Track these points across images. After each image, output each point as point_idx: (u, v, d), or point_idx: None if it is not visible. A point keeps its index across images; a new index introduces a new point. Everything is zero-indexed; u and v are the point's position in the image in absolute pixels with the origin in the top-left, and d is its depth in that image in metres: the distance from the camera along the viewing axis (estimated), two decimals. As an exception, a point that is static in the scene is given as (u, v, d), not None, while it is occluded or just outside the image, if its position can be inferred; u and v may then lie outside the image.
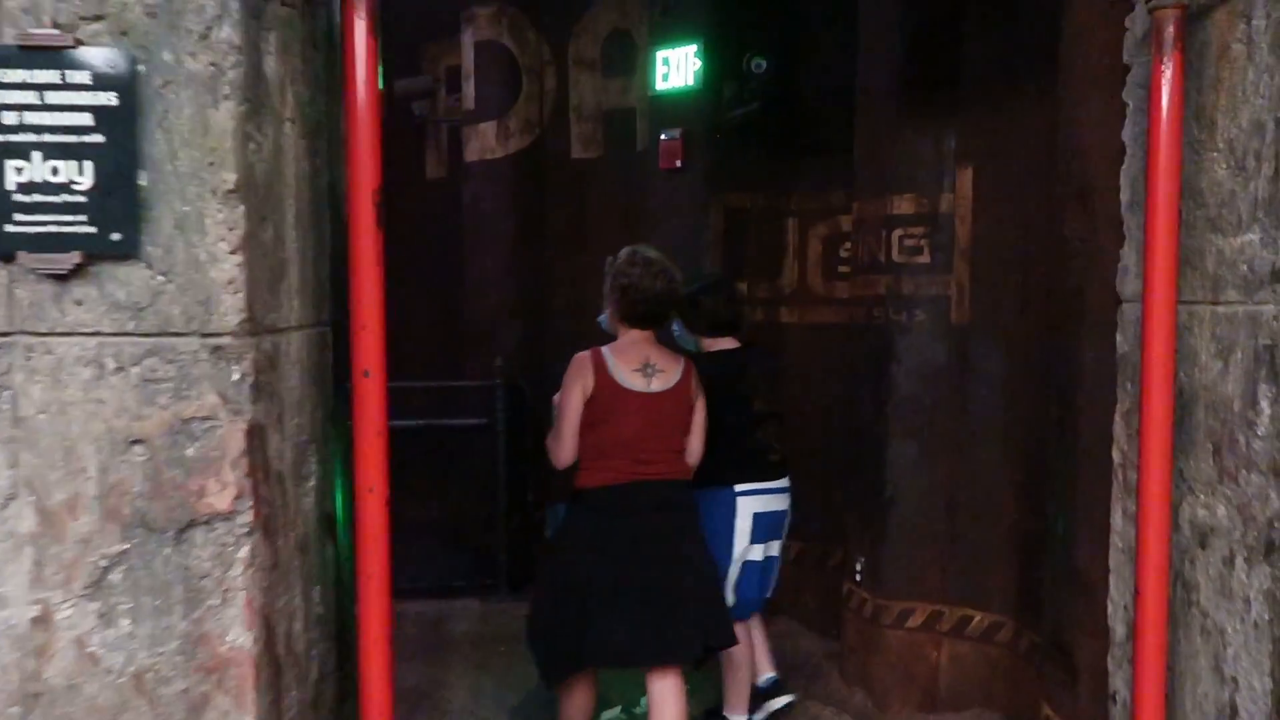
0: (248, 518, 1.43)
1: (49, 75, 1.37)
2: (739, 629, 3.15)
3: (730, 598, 3.24)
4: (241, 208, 1.40)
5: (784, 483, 3.40)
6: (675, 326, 3.38)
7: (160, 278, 1.37)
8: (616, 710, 3.58)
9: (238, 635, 1.42)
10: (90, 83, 1.37)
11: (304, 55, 1.81)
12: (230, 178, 1.38)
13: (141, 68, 1.35)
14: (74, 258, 1.38)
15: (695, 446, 2.99)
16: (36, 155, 1.39)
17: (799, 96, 4.30)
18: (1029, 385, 3.29)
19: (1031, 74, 3.15)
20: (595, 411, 2.79)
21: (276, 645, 1.58)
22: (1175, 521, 2.06)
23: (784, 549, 3.48)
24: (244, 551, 1.43)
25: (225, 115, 1.38)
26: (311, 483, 1.86)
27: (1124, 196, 2.31)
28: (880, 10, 3.64)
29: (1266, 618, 1.82)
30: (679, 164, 4.40)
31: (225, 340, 1.39)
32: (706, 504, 3.17)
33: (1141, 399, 2.01)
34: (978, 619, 3.50)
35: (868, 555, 3.72)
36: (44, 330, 1.38)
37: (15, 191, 1.39)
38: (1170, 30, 1.95)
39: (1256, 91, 1.86)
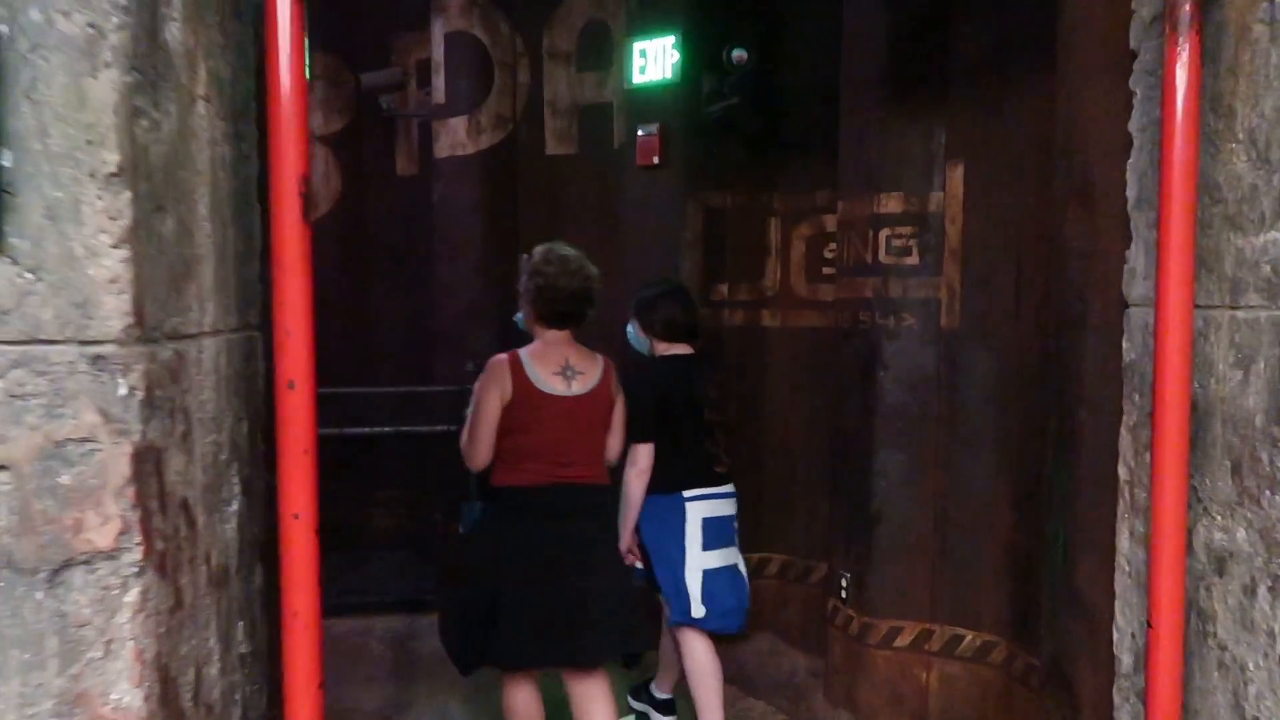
0: (136, 555, 1.22)
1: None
2: (703, 639, 3.27)
3: (700, 610, 3.24)
4: (128, 194, 1.19)
5: (729, 488, 3.41)
6: (630, 328, 3.42)
7: (28, 276, 1.16)
8: None
9: (124, 693, 1.22)
10: (-57, 47, 1.17)
11: (224, 27, 1.61)
12: (112, 159, 1.17)
13: (3, 28, 1.15)
14: (-75, 253, 1.18)
15: (614, 445, 2.98)
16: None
17: (782, 90, 4.15)
18: (1023, 394, 3.13)
19: (1025, 65, 2.99)
20: (514, 418, 2.75)
21: (180, 698, 1.38)
22: (1189, 545, 1.89)
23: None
24: (132, 594, 1.22)
25: (106, 86, 1.17)
26: (234, 506, 1.66)
27: (1130, 192, 2.14)
28: (866, -1, 3.47)
29: (1295, 656, 1.64)
30: (656, 161, 4.22)
31: (108, 349, 1.18)
32: (654, 511, 3.22)
33: (1154, 413, 1.83)
34: (969, 639, 3.34)
35: (853, 571, 3.54)
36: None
37: None
38: (1187, 9, 1.78)
39: (1281, 76, 1.69)
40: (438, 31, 4.93)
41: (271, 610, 1.82)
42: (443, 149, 4.92)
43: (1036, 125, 2.87)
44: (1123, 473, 2.17)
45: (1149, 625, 1.87)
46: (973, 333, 3.31)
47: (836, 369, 3.72)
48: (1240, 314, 1.79)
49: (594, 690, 2.85)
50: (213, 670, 1.53)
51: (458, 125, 4.86)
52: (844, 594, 3.58)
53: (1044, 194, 2.79)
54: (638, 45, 4.25)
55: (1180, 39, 1.79)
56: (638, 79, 4.30)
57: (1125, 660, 2.14)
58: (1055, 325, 2.51)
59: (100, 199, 1.18)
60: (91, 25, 1.17)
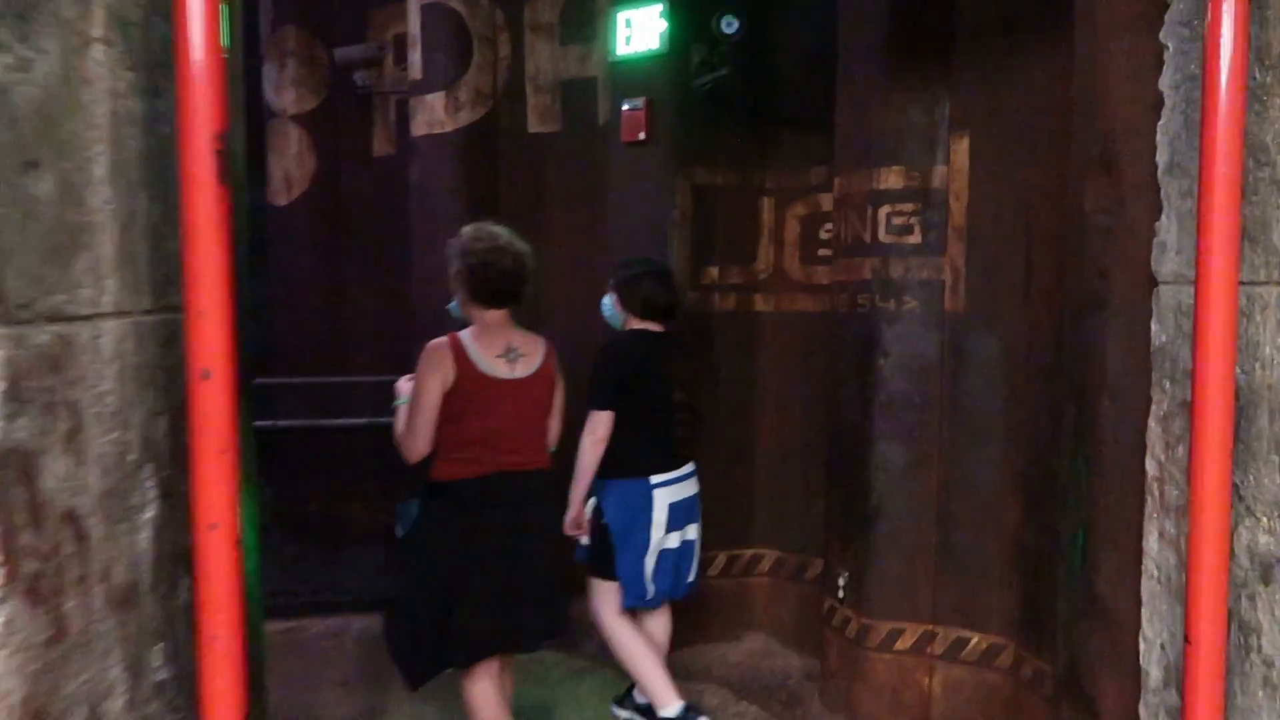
0: (-4, 580, 1.01)
1: None
2: (659, 615, 3.36)
3: (650, 589, 3.23)
4: (-25, 144, 0.98)
5: (690, 468, 3.35)
6: (606, 300, 3.34)
7: None
8: None
9: (-19, 747, 1.01)
10: None
11: (128, -39, 1.38)
12: (-49, 98, 0.96)
13: None
14: None
15: (555, 428, 2.94)
16: None
17: (775, 60, 3.96)
18: (1033, 381, 2.94)
19: (1036, 25, 2.78)
20: (457, 403, 2.67)
21: (67, 744, 1.17)
22: (1230, 549, 1.69)
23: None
24: (-7, 628, 1.02)
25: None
26: (148, 514, 1.45)
27: (1161, 158, 1.94)
28: (864, -40, 3.26)
29: (1358, 678, 1.45)
30: (643, 137, 3.99)
31: (-48, 332, 0.98)
32: (619, 496, 3.18)
33: (1194, 402, 1.63)
34: (975, 641, 3.16)
35: (851, 569, 3.35)
36: None
37: None
38: (1233, -55, 1.57)
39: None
40: (414, 4, 4.68)
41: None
42: (420, 127, 4.68)
43: (1049, 91, 2.67)
44: (1151, 468, 1.97)
45: (1186, 639, 1.68)
46: (979, 316, 3.13)
47: (833, 356, 3.53)
48: (1292, 291, 1.59)
49: (508, 660, 2.94)
50: (116, 705, 1.32)
51: (435, 102, 4.62)
52: (841, 594, 3.39)
53: (1058, 165, 2.59)
54: (623, 14, 4.02)
55: (1227, -19, 1.59)
56: (623, 50, 4.07)
57: (1154, 674, 1.95)
58: (1073, 307, 2.30)
59: (-62, 147, 0.96)
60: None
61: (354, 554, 5.27)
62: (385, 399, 4.98)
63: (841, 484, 3.44)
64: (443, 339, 2.71)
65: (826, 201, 3.80)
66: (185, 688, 1.57)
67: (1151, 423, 1.95)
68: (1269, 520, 1.66)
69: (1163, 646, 1.94)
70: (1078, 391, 2.28)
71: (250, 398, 1.78)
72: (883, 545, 3.26)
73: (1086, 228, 2.25)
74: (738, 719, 3.62)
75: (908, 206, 3.19)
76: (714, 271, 4.03)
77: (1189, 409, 1.85)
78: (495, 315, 2.77)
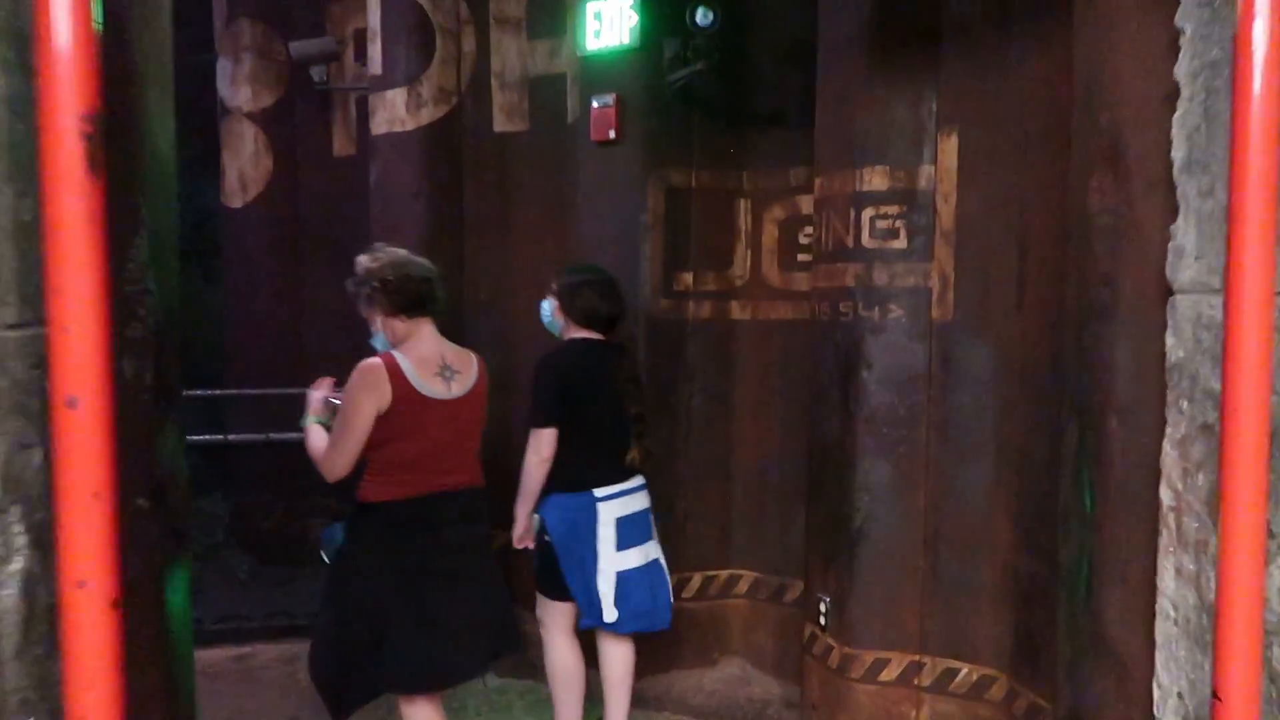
0: None
1: None
2: (620, 643, 3.19)
3: (612, 613, 3.07)
4: None
5: (640, 480, 3.20)
6: (545, 304, 3.24)
7: None
8: None
9: None
10: None
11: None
12: None
13: None
14: None
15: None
16: None
17: (752, 54, 3.78)
18: (1027, 395, 2.77)
19: (1031, 14, 2.60)
20: (394, 426, 2.57)
21: None
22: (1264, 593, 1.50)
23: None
24: None
25: None
26: (13, 565, 1.23)
27: (1177, 154, 1.77)
28: (846, -53, 3.07)
29: None
30: (613, 135, 3.79)
31: None
32: (563, 511, 3.06)
33: (1223, 428, 1.44)
34: (965, 672, 2.98)
35: (833, 595, 3.16)
36: None
37: None
38: (1269, -94, 1.38)
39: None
40: (375, -4, 4.46)
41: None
42: (380, 125, 4.45)
43: (1045, 85, 2.50)
44: (1166, 497, 1.79)
45: (1214, 695, 1.48)
46: (968, 326, 2.96)
47: (814, 367, 3.34)
48: (1334, 302, 1.41)
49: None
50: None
51: (396, 99, 4.39)
52: (823, 620, 3.19)
53: (1055, 164, 2.42)
54: (592, 6, 3.82)
55: (1259, -51, 1.40)
56: (592, 45, 3.87)
57: (1169, 725, 1.76)
58: (1074, 316, 2.11)
59: None
60: None
61: (310, 573, 5.02)
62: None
63: (823, 503, 3.25)
64: (376, 359, 2.62)
65: (806, 204, 3.62)
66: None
67: (1167, 447, 1.77)
68: (1306, 560, 1.48)
69: (1180, 695, 1.75)
70: (1080, 409, 2.10)
71: (175, 420, 1.57)
72: (867, 569, 3.07)
73: (1090, 231, 2.06)
74: (713, 752, 3.42)
75: (892, 209, 3.01)
76: (688, 278, 3.84)
77: (1211, 433, 1.68)
78: (425, 329, 2.71)
